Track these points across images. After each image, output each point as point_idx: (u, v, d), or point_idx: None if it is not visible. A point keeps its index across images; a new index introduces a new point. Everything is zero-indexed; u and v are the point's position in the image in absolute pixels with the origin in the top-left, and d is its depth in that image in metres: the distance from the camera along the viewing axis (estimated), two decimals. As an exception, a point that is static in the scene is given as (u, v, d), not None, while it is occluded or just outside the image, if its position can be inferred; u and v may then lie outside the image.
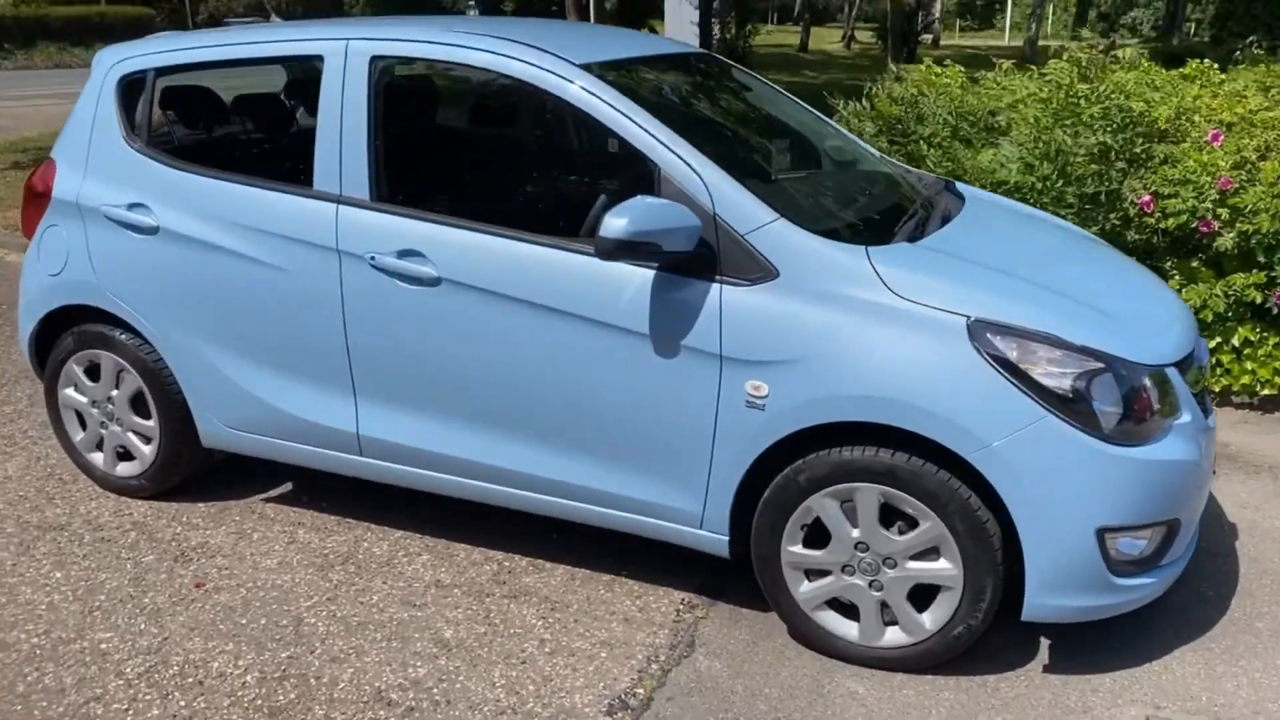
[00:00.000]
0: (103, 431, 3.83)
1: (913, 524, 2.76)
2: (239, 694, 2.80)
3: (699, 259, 2.80)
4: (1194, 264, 4.86)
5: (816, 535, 2.87)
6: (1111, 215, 4.89)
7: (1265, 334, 4.72)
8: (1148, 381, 2.70)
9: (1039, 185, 4.93)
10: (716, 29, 20.80)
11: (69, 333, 3.77)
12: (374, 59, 3.20)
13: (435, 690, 2.82)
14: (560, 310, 2.95)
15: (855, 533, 2.81)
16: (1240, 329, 4.75)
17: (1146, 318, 2.97)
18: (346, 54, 3.23)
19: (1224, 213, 4.65)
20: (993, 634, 2.92)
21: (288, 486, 3.99)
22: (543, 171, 3.30)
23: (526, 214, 3.05)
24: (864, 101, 5.78)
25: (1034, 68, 5.59)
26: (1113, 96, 4.90)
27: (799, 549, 2.89)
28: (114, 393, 3.75)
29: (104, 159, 3.60)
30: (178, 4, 48.47)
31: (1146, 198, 4.81)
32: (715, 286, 2.81)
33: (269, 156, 3.40)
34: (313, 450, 3.48)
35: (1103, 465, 2.60)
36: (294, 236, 3.26)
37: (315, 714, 2.72)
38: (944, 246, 2.97)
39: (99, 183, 3.59)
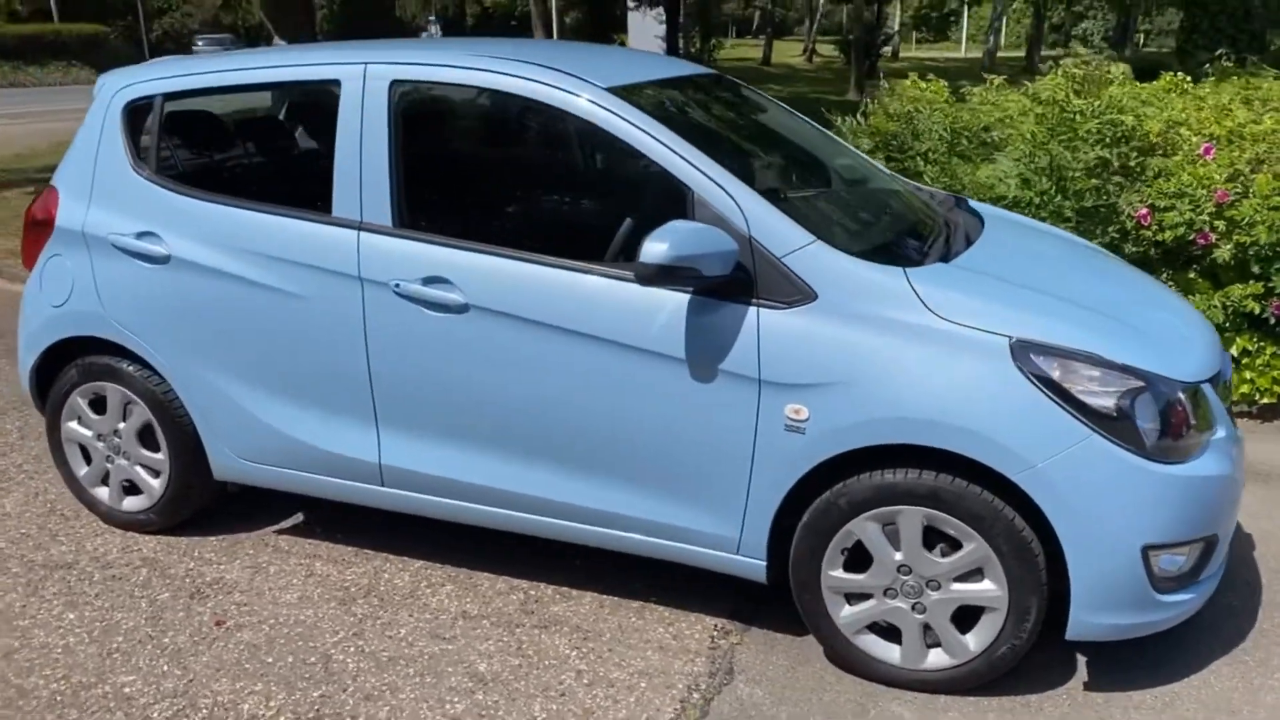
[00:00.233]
0: (108, 466, 3.73)
1: (955, 545, 2.75)
2: (273, 736, 2.73)
3: (734, 282, 2.78)
4: (1190, 275, 4.93)
5: (857, 558, 2.86)
6: (1110, 229, 4.94)
7: (1263, 343, 4.79)
8: (1183, 398, 2.72)
9: (1037, 200, 4.98)
10: (681, 43, 20.93)
11: (73, 365, 3.67)
12: (394, 83, 3.15)
13: (476, 726, 2.76)
14: (592, 335, 2.92)
15: (898, 556, 2.79)
16: (1238, 339, 4.81)
17: (1176, 333, 2.99)
18: (365, 78, 3.18)
19: (1221, 225, 4.73)
20: (1030, 653, 2.91)
21: (299, 518, 3.91)
22: (570, 196, 3.26)
23: (555, 239, 3.02)
24: (859, 117, 5.81)
25: (1027, 83, 5.65)
26: (1107, 112, 4.96)
27: (840, 573, 2.87)
28: (121, 425, 3.65)
29: (110, 187, 3.51)
30: (131, 22, 47.92)
31: (1144, 211, 4.88)
32: (752, 310, 2.79)
33: (284, 182, 3.33)
34: (331, 481, 3.41)
35: (1147, 483, 2.61)
36: (313, 264, 3.20)
37: (355, 755, 2.66)
38: (977, 265, 2.97)
39: (105, 211, 3.50)
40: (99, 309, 3.52)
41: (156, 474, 3.66)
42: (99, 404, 3.69)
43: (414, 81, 3.18)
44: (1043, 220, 4.88)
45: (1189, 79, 5.95)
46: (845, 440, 2.72)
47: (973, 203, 3.92)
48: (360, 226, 3.16)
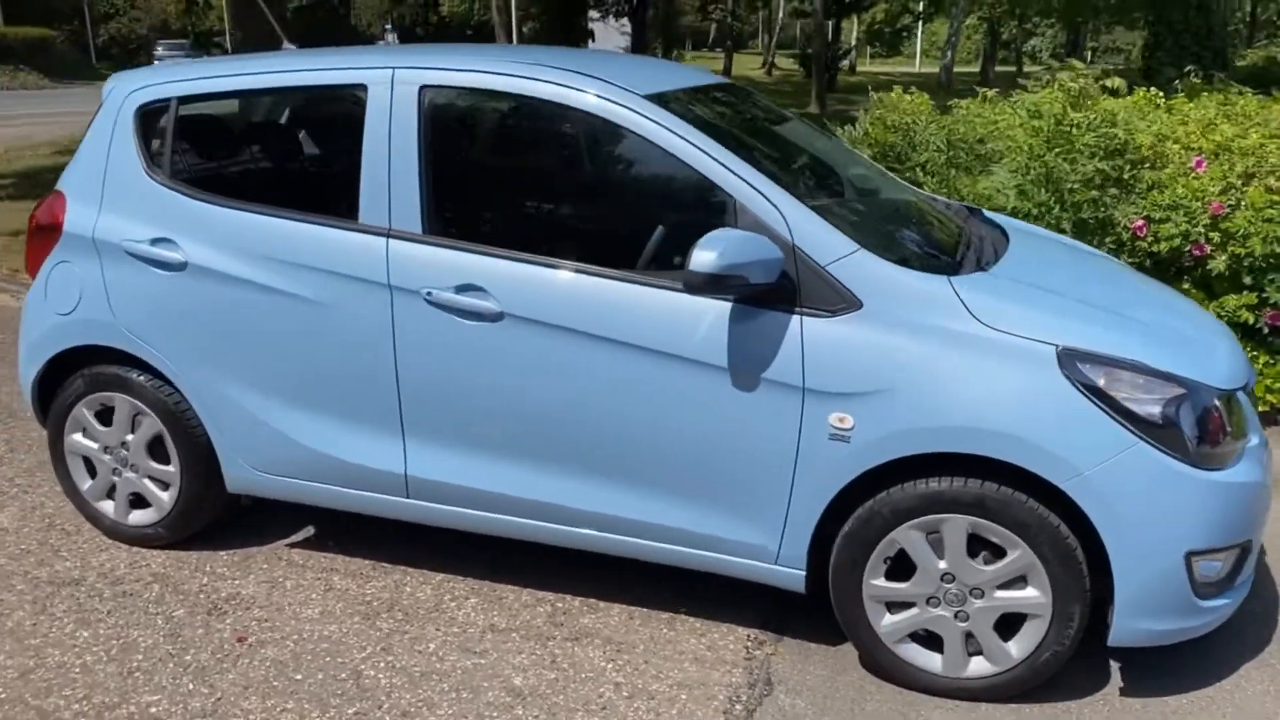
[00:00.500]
0: (114, 479, 3.62)
1: (999, 553, 2.76)
2: (312, 755, 2.66)
3: (777, 290, 2.77)
4: (1184, 286, 5.02)
5: (899, 567, 2.85)
6: (1105, 240, 5.02)
7: (1256, 352, 4.89)
8: (1219, 404, 2.75)
9: (1035, 211, 5.04)
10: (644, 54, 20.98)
11: (78, 375, 3.56)
12: (424, 88, 3.11)
13: (519, 742, 2.71)
14: (632, 344, 2.89)
15: (942, 564, 2.79)
16: (1232, 348, 4.90)
17: (1205, 341, 3.03)
18: (393, 83, 3.13)
19: (1215, 236, 4.82)
20: (1068, 660, 2.93)
21: (310, 531, 3.82)
22: (606, 203, 3.23)
23: (591, 247, 2.99)
24: (857, 128, 5.85)
25: (1016, 94, 5.73)
26: (1101, 125, 5.05)
27: (882, 582, 2.86)
28: (129, 437, 3.54)
29: (122, 192, 3.42)
30: (78, 26, 47.03)
31: (1139, 223, 4.96)
32: (795, 318, 2.78)
33: (306, 188, 3.26)
34: (352, 493, 3.34)
35: (1191, 490, 2.64)
36: (339, 271, 3.14)
37: (398, 773, 2.60)
38: (1013, 274, 2.99)
39: (117, 217, 3.41)
40: (109, 317, 3.42)
41: (166, 487, 3.56)
42: (105, 415, 3.58)
43: (444, 86, 3.13)
44: (1041, 231, 4.95)
45: (1160, 95, 6.08)
46: (892, 449, 2.72)
47: (986, 212, 3.95)
48: (389, 234, 3.10)
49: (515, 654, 3.09)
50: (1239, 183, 4.90)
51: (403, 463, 3.22)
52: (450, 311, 3.03)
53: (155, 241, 3.34)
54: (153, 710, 2.81)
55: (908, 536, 2.79)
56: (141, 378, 3.47)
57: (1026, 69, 37.96)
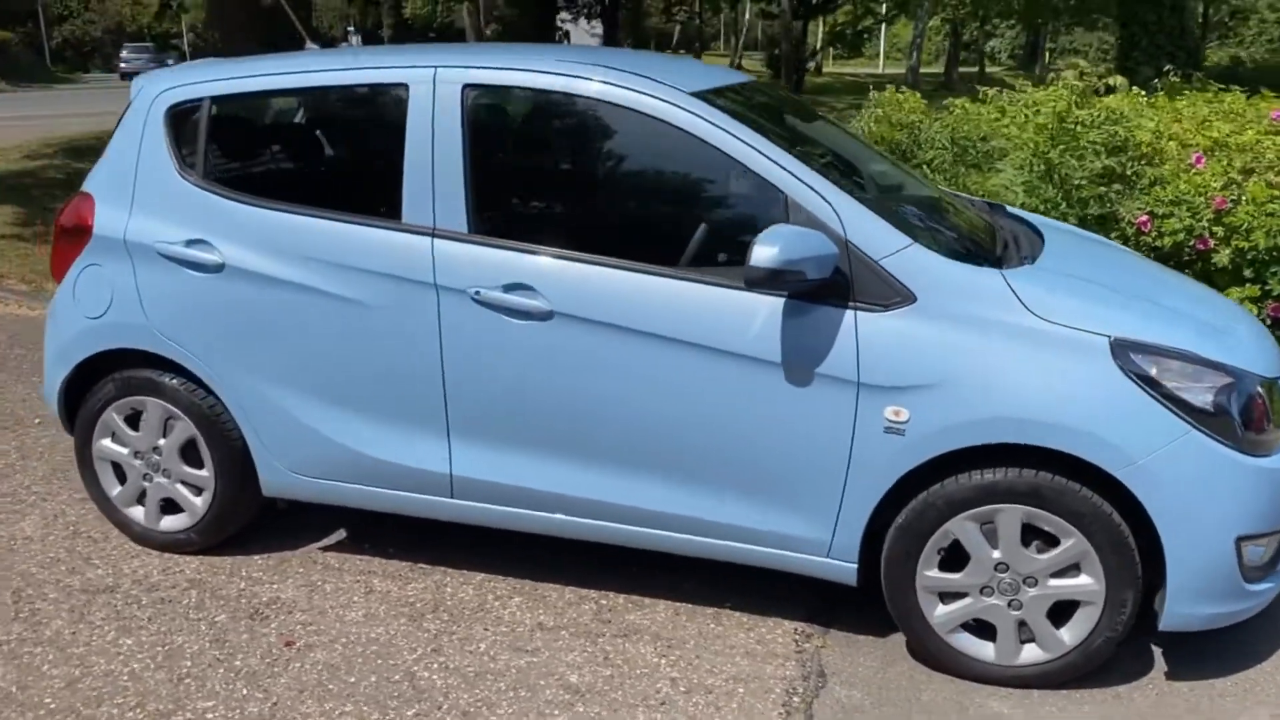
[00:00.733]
0: (145, 484, 3.57)
1: (1051, 541, 2.80)
2: (377, 757, 2.64)
3: (831, 285, 2.79)
4: (1187, 279, 5.11)
5: (952, 558, 2.89)
6: (1111, 235, 5.10)
7: (1259, 344, 4.99)
8: (1263, 392, 2.82)
9: (1042, 208, 5.11)
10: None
11: (108, 379, 3.50)
12: (467, 87, 3.10)
13: (583, 739, 2.72)
14: (684, 341, 2.90)
15: (995, 554, 2.83)
16: (1235, 340, 5.00)
17: (1243, 330, 3.10)
18: (435, 82, 3.12)
19: (1219, 231, 4.92)
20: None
21: (342, 534, 3.79)
22: (654, 201, 3.24)
23: (641, 244, 2.99)
24: (859, 125, 5.90)
25: (1018, 90, 5.82)
26: (1105, 123, 5.13)
27: (935, 573, 2.90)
28: (161, 442, 3.50)
29: (154, 193, 3.37)
30: (32, 28, 46.21)
31: (1144, 218, 5.05)
32: (849, 313, 2.81)
33: (345, 188, 3.24)
34: (394, 494, 3.32)
35: (1241, 476, 2.69)
36: (383, 271, 3.12)
37: (467, 773, 2.59)
38: (1059, 267, 3.04)
39: (150, 218, 3.36)
40: (142, 320, 3.37)
41: (199, 491, 3.52)
42: (133, 420, 3.54)
43: (488, 86, 3.13)
44: (1047, 227, 5.02)
45: (1143, 93, 6.19)
46: (947, 441, 2.75)
47: (1009, 208, 4.01)
48: (434, 233, 3.09)
49: (567, 651, 3.08)
50: (1240, 178, 5.01)
51: (447, 462, 3.21)
52: (499, 310, 3.03)
53: (190, 243, 3.30)
54: (209, 717, 2.78)
55: (962, 527, 2.83)
56: (174, 381, 3.42)
57: (988, 69, 38.53)
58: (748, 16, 45.90)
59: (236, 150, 3.47)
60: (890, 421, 2.79)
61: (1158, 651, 3.10)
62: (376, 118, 3.36)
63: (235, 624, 3.21)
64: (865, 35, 54.18)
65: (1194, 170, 5.12)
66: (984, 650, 2.94)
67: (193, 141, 3.38)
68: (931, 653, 2.98)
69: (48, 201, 9.87)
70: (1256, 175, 5.03)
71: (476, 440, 3.17)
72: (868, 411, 2.80)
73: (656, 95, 2.97)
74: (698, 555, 3.12)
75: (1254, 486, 2.71)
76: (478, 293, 3.03)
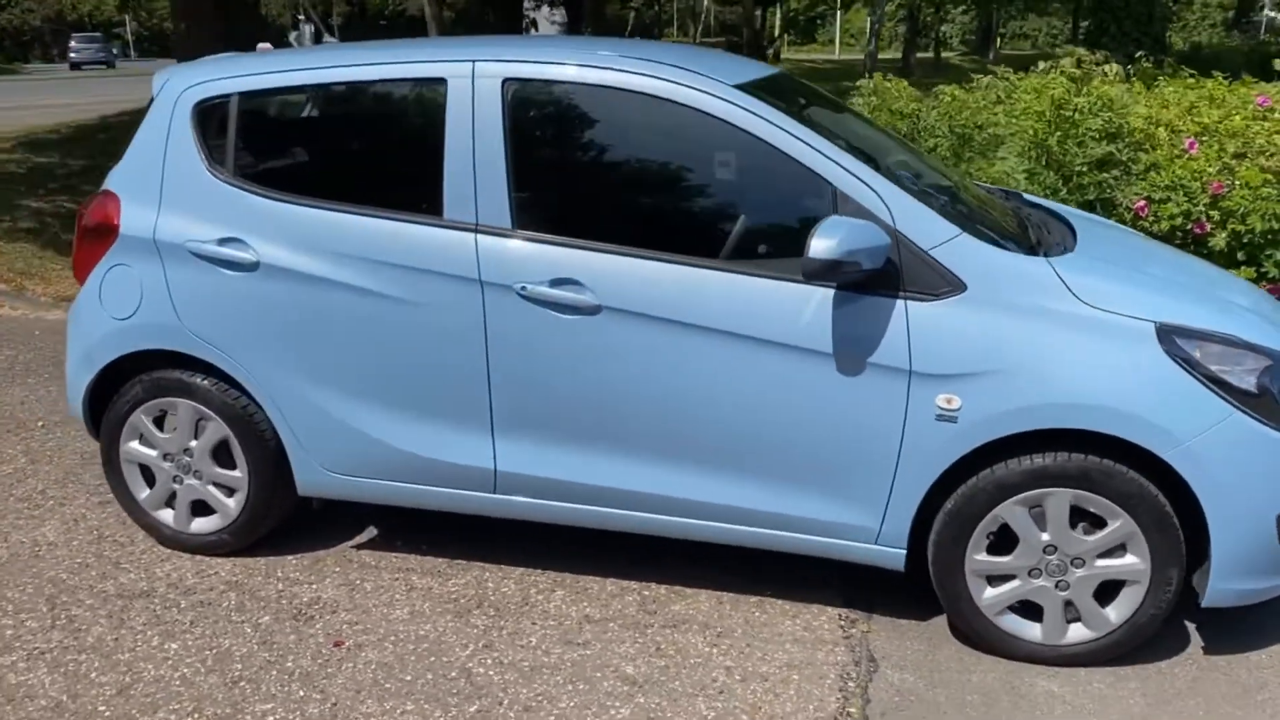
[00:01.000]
0: (175, 486, 3.52)
1: (1098, 523, 2.87)
2: (445, 755, 2.64)
3: (882, 276, 2.83)
4: (1183, 263, 5.23)
5: (1000, 541, 2.95)
6: (1110, 220, 5.20)
7: (1254, 325, 5.12)
8: (1296, 374, 2.90)
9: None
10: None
11: (136, 381, 3.45)
12: (507, 81, 3.09)
13: (648, 730, 2.74)
14: (734, 332, 2.92)
15: (1044, 536, 2.89)
16: (1231, 322, 5.13)
17: (1271, 314, 3.18)
18: (474, 76, 3.10)
19: (1215, 215, 5.04)
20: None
21: (373, 531, 3.77)
22: (700, 194, 3.24)
23: (688, 237, 3.01)
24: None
25: (1009, 77, 5.90)
26: (1101, 109, 5.23)
27: (984, 556, 2.95)
28: (192, 443, 3.45)
29: (183, 191, 3.32)
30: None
31: (1141, 203, 5.16)
32: (899, 302, 2.84)
33: (382, 184, 3.20)
34: (435, 490, 3.31)
35: (1280, 455, 2.78)
36: (424, 268, 3.10)
37: (538, 767, 2.60)
38: (1099, 254, 3.10)
39: (179, 217, 3.31)
40: (174, 320, 3.32)
41: (231, 492, 3.48)
42: (160, 422, 3.49)
43: (528, 79, 3.12)
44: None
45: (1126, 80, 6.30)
46: (999, 427, 2.80)
47: (1026, 195, 4.07)
48: (476, 229, 3.08)
49: (618, 643, 3.10)
50: (1234, 163, 5.13)
51: (491, 458, 3.20)
52: (545, 305, 3.03)
53: (223, 241, 3.25)
54: (270, 719, 2.76)
55: (1011, 511, 2.88)
56: (206, 382, 3.38)
57: (943, 55, 38.86)
58: (705, 2, 45.88)
59: (267, 147, 3.43)
60: (942, 409, 2.83)
61: (1191, 627, 3.19)
62: (413, 113, 3.33)
63: (280, 625, 3.18)
64: (819, 21, 54.41)
65: (1187, 156, 5.23)
66: (1031, 631, 3.00)
67: (221, 138, 3.33)
68: (979, 634, 3.04)
69: (13, 197, 9.65)
70: (1249, 160, 5.16)
71: (522, 435, 3.17)
72: (919, 399, 2.84)
73: (700, 88, 2.98)
74: (745, 545, 3.15)
75: (1293, 465, 2.79)
76: (524, 288, 3.03)
